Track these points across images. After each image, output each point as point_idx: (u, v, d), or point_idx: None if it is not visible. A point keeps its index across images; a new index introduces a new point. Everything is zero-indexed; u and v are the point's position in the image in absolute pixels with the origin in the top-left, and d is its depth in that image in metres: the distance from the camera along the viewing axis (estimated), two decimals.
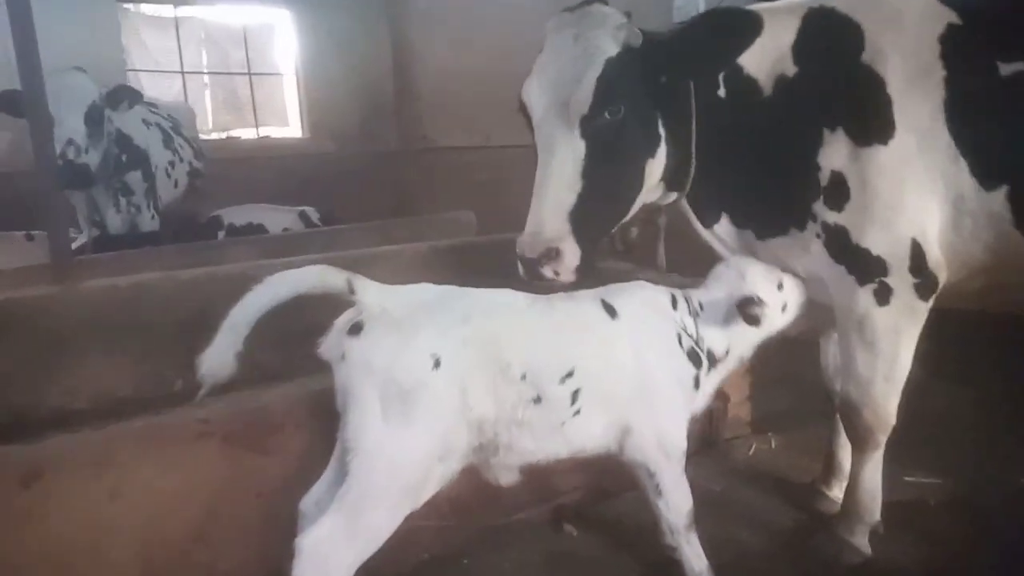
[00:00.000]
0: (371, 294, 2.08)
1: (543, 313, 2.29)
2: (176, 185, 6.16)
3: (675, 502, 2.40)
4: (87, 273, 3.76)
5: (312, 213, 6.39)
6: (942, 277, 2.40)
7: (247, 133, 9.06)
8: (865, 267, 2.40)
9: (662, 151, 2.47)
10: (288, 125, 9.11)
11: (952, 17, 2.35)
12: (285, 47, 8.71)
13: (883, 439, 2.58)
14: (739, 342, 2.51)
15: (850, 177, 2.37)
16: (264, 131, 9.00)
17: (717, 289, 2.50)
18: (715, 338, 2.47)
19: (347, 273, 2.06)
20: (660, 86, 2.40)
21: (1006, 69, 2.27)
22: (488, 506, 2.78)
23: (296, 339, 2.15)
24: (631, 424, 2.34)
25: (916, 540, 2.78)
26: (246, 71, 9.01)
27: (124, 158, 5.33)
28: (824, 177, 2.40)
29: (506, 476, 2.34)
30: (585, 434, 2.31)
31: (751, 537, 2.87)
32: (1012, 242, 2.31)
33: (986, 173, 2.28)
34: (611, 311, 2.37)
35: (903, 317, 2.42)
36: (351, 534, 1.99)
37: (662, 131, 2.46)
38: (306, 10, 8.22)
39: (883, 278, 2.39)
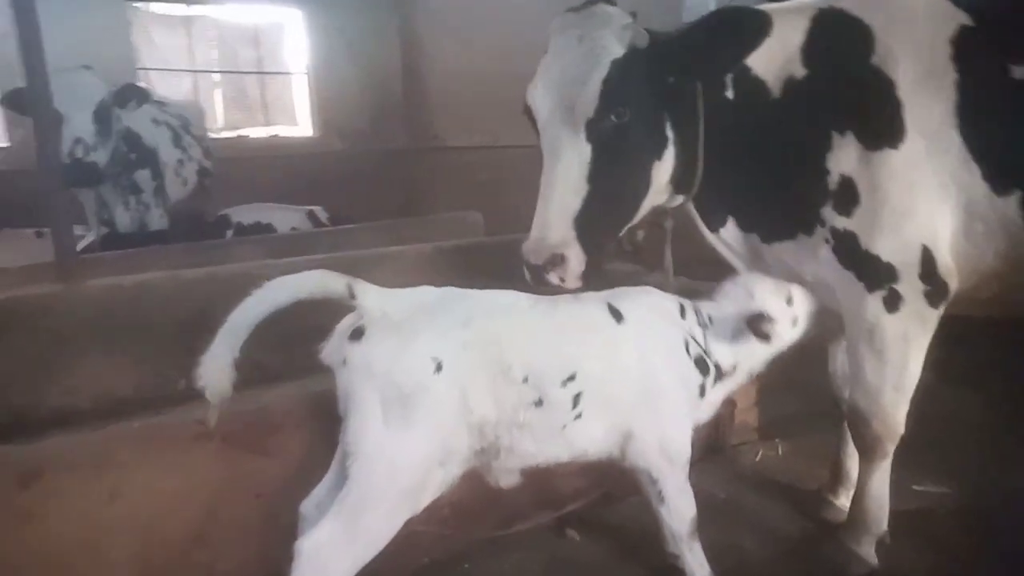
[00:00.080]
0: (371, 298, 2.06)
1: (546, 315, 2.27)
2: (185, 184, 6.20)
3: (678, 509, 2.38)
4: (91, 272, 3.77)
5: (320, 212, 6.40)
6: (953, 284, 2.35)
7: (257, 132, 9.11)
8: (874, 273, 2.36)
9: (669, 153, 2.44)
10: (297, 124, 9.15)
11: (964, 19, 2.31)
12: (295, 46, 8.76)
13: (891, 448, 2.54)
14: (748, 358, 2.50)
15: (859, 181, 2.33)
16: (274, 130, 9.04)
17: (727, 305, 2.48)
18: (723, 353, 2.45)
19: (347, 278, 2.05)
20: (667, 87, 2.37)
21: (1018, 71, 2.23)
22: (490, 514, 2.76)
23: (296, 340, 2.14)
24: (634, 429, 2.32)
25: (923, 550, 2.73)
26: (256, 70, 9.05)
27: (133, 156, 5.36)
28: (833, 181, 2.36)
29: (507, 479, 2.32)
30: (587, 438, 2.29)
31: (755, 544, 2.84)
32: None
33: (998, 177, 2.23)
34: (617, 315, 2.34)
35: (913, 325, 2.38)
36: (350, 538, 1.98)
37: (669, 133, 2.42)
38: (317, 10, 8.26)
39: (893, 285, 2.35)
